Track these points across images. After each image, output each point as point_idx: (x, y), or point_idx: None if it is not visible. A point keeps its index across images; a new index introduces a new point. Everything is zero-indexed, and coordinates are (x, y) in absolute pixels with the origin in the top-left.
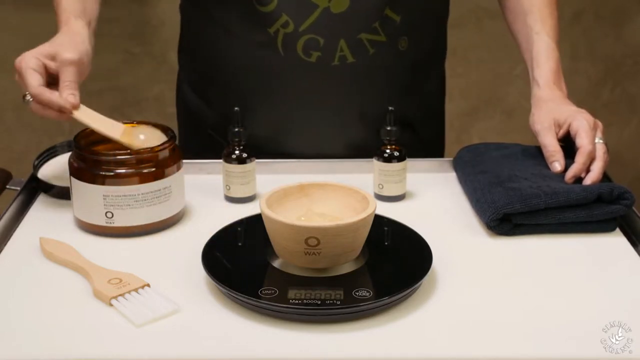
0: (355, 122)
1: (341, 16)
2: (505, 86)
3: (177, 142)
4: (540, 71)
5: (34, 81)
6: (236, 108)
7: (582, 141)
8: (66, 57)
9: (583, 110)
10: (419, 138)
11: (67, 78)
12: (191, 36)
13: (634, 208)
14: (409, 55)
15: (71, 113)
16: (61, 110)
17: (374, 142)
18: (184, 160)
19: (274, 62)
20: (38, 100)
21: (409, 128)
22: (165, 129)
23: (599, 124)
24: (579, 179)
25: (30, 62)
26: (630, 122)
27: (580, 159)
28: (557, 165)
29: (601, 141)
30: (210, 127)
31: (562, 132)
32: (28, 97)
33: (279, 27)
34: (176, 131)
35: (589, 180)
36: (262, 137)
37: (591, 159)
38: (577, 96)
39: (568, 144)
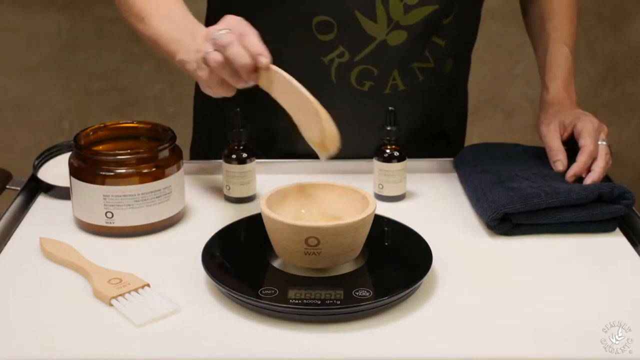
0: (407, 145)
1: (397, 48)
2: (505, 86)
3: (188, 144)
4: (551, 78)
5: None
6: (237, 109)
7: (585, 141)
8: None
9: (589, 114)
10: (452, 146)
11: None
12: None
13: (633, 208)
14: (453, 76)
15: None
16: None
17: (418, 156)
18: (184, 160)
19: (327, 90)
20: (244, 44)
21: (443, 139)
22: (165, 129)
23: (604, 127)
24: (580, 179)
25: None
26: (630, 122)
27: (581, 158)
28: (560, 165)
29: (604, 143)
30: (228, 125)
31: (566, 133)
32: (221, 35)
33: (334, 56)
34: (183, 133)
35: (589, 179)
36: (304, 155)
37: (593, 159)
38: (577, 96)
39: (573, 148)
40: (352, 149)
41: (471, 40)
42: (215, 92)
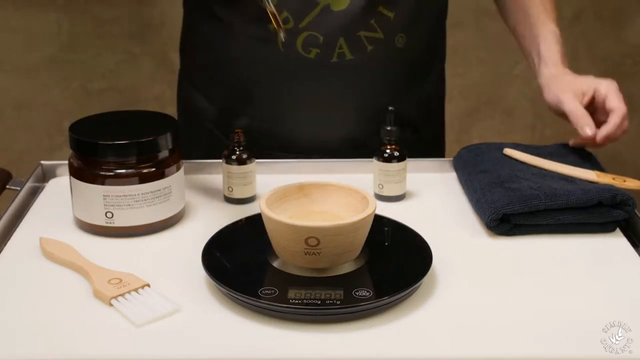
0: (353, 118)
1: (340, 13)
2: (505, 86)
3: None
4: (549, 53)
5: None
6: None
7: (614, 103)
8: None
9: (603, 78)
10: (420, 137)
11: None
12: (193, 32)
13: None
14: (406, 52)
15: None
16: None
17: (371, 138)
18: (184, 160)
19: (274, 58)
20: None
21: (408, 127)
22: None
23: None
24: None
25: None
26: (630, 122)
27: (614, 119)
28: (588, 130)
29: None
30: (211, 123)
31: (587, 99)
32: None
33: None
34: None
35: (604, 131)
36: (260, 131)
37: (624, 120)
38: None
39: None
40: (304, 116)
41: (431, 21)
42: None
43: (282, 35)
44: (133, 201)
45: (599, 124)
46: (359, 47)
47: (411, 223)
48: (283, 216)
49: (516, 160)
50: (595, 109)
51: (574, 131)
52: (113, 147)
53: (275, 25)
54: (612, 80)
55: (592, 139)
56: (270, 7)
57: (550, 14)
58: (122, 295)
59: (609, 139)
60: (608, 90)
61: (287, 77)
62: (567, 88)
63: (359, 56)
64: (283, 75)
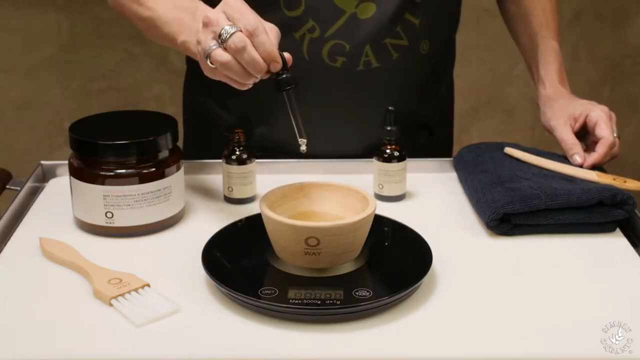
0: (376, 125)
1: (367, 21)
2: (505, 86)
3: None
4: (546, 71)
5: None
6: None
7: (603, 132)
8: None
9: (594, 102)
10: (435, 140)
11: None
12: None
13: None
14: (428, 58)
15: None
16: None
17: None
18: (184, 160)
19: (298, 67)
20: (257, 41)
21: (425, 130)
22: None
23: (613, 115)
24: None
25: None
26: (630, 122)
27: (601, 149)
28: (578, 158)
29: (615, 135)
30: (226, 130)
31: (578, 125)
32: (230, 32)
33: (305, 31)
34: (182, 133)
35: (590, 160)
36: (283, 140)
37: (611, 149)
38: (577, 96)
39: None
40: (328, 124)
41: (450, 26)
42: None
43: (302, 148)
44: (133, 201)
45: (591, 144)
46: (384, 54)
47: (411, 223)
48: (283, 216)
49: (517, 159)
50: (586, 133)
51: None
52: (113, 147)
53: (298, 137)
54: (603, 107)
55: (581, 165)
56: (299, 131)
57: (551, 26)
58: (122, 295)
59: (595, 165)
60: (598, 118)
61: (311, 86)
62: (559, 114)
63: (384, 64)
64: (307, 85)
